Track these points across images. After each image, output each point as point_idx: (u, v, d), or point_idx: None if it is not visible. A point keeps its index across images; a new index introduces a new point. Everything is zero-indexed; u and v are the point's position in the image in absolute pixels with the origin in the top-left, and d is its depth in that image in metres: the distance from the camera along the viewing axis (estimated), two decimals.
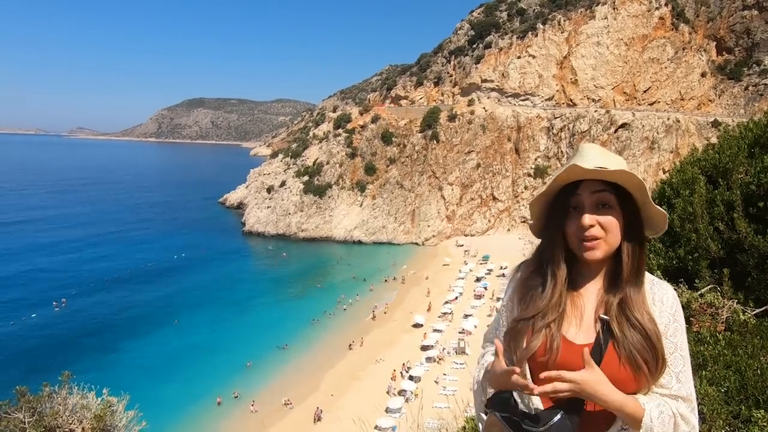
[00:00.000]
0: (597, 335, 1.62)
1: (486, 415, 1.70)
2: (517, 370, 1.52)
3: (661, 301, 1.68)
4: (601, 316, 1.64)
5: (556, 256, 1.69)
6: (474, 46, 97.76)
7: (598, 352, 1.58)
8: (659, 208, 1.67)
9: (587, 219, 1.60)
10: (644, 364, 1.56)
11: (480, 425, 1.78)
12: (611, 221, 1.61)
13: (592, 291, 1.71)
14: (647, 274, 1.71)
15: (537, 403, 1.64)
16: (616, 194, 1.63)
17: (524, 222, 79.09)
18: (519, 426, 1.55)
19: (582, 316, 1.68)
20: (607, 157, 1.62)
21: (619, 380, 1.54)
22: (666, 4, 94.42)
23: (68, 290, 54.37)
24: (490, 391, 1.73)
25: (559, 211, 1.68)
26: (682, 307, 3.25)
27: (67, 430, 3.43)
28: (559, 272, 1.69)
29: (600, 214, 1.61)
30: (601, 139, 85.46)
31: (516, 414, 1.58)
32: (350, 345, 43.47)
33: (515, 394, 1.67)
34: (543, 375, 1.50)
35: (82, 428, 3.44)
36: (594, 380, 1.49)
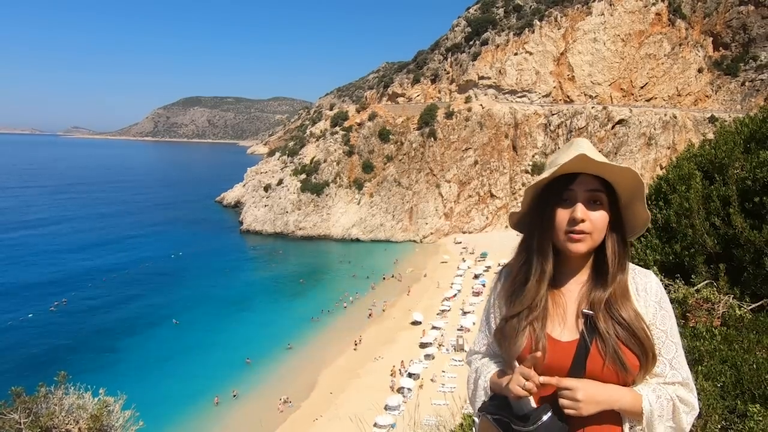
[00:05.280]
0: (582, 331, 1.62)
1: (479, 418, 1.70)
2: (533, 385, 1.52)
3: (644, 290, 1.67)
4: (584, 311, 1.63)
5: (545, 249, 1.68)
6: (471, 42, 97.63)
7: (583, 349, 1.58)
8: (647, 211, 1.67)
9: (580, 212, 1.59)
10: (631, 359, 1.56)
11: (474, 429, 1.78)
12: (600, 219, 1.62)
13: (573, 289, 1.70)
14: (629, 264, 1.71)
15: (531, 403, 1.63)
16: (606, 194, 1.64)
17: None
18: (509, 426, 1.54)
19: (565, 313, 1.68)
20: (599, 156, 1.63)
21: (603, 377, 1.55)
22: (662, 0, 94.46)
23: (65, 289, 54.29)
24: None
25: (550, 202, 1.66)
26: (678, 302, 3.28)
27: (63, 430, 3.42)
28: (548, 265, 1.68)
29: (591, 211, 1.62)
30: (599, 136, 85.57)
31: (506, 415, 1.57)
32: (355, 343, 43.50)
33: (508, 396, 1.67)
34: (542, 380, 1.51)
35: (79, 428, 3.43)
36: (587, 385, 1.51)
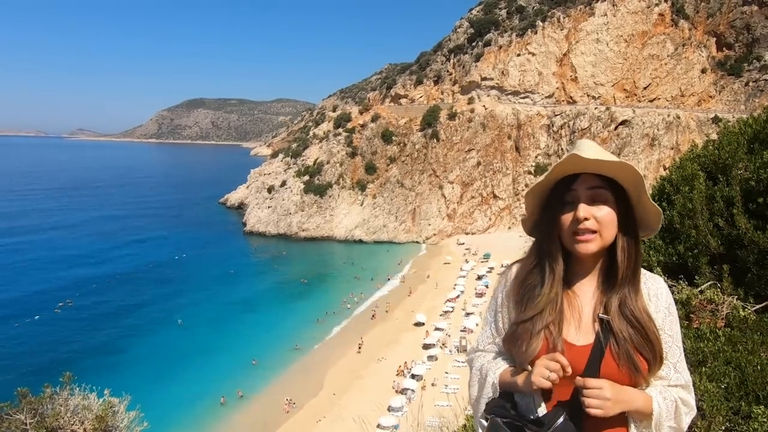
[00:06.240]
0: (597, 335, 1.60)
1: (486, 420, 1.66)
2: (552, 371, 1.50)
3: (656, 296, 1.68)
4: (600, 315, 1.62)
5: (553, 251, 1.67)
6: (473, 44, 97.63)
7: (598, 352, 1.57)
8: (655, 204, 1.65)
9: (582, 211, 1.57)
10: (642, 362, 1.57)
11: (479, 431, 1.74)
12: (606, 216, 1.59)
13: (588, 290, 1.69)
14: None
15: (541, 405, 1.62)
16: (611, 191, 1.61)
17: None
18: (522, 430, 1.52)
19: (580, 316, 1.66)
20: (604, 154, 1.60)
21: (617, 381, 1.55)
22: (665, 0, 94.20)
23: (70, 291, 54.47)
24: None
25: (554, 205, 1.66)
26: (682, 304, 3.28)
27: (68, 430, 3.45)
28: (557, 267, 1.66)
29: (595, 208, 1.60)
30: (602, 137, 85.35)
31: (518, 418, 1.55)
32: (358, 345, 43.44)
33: (516, 398, 1.65)
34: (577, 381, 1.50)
35: (84, 429, 3.45)
36: (611, 385, 1.50)
